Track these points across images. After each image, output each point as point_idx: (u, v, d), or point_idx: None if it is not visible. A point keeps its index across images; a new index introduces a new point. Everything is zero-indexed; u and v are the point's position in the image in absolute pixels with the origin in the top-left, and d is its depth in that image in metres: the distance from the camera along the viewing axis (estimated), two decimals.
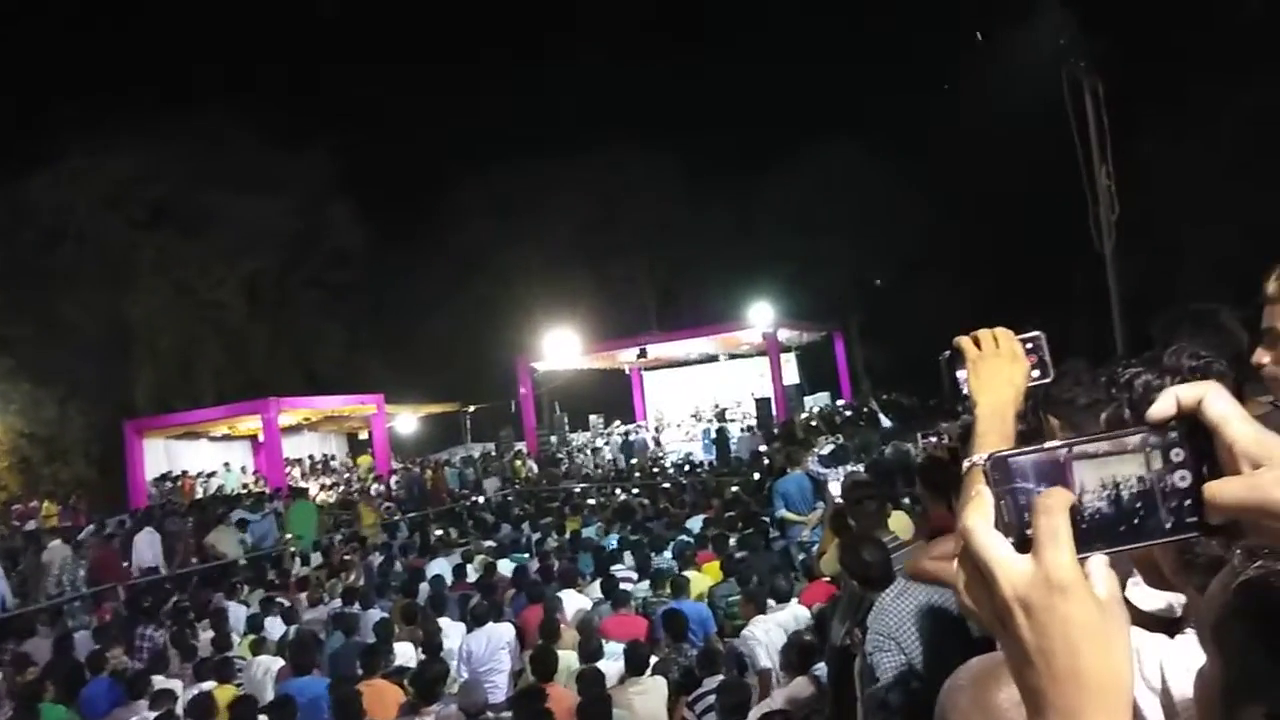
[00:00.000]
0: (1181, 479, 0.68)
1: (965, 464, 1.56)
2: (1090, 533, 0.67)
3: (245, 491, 21.78)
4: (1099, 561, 0.67)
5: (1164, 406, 0.70)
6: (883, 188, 31.09)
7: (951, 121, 25.50)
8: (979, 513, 0.69)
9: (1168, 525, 0.68)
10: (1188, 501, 0.67)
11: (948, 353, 1.62)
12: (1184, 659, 1.14)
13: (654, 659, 6.25)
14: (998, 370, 1.55)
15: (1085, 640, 0.64)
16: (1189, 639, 1.17)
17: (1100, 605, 0.65)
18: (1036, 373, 1.58)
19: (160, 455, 24.09)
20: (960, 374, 1.60)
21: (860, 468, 10.00)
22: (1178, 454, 0.68)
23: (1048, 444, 0.70)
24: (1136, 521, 0.68)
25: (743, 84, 34.79)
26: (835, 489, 6.96)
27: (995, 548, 0.67)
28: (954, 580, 1.52)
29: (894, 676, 3.36)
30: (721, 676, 5.58)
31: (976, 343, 1.58)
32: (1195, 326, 2.44)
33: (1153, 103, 20.29)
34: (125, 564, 13.80)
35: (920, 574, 3.21)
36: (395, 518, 17.82)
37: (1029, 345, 1.59)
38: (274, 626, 9.11)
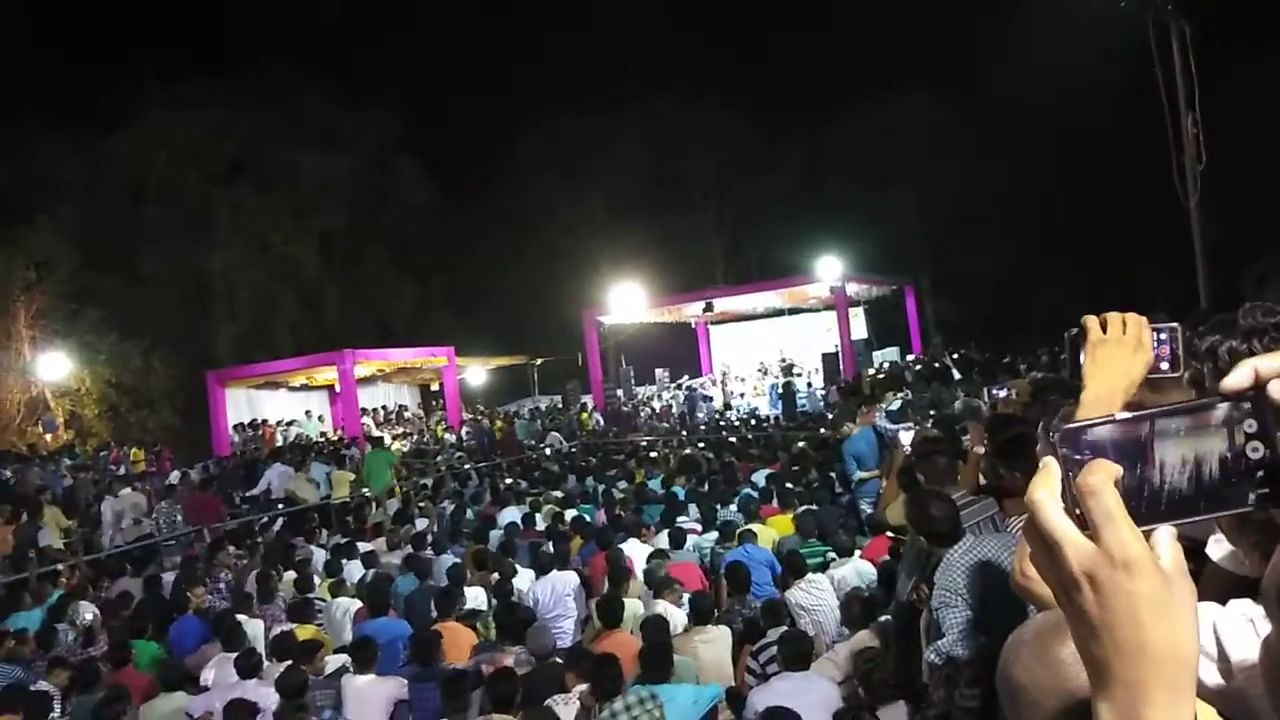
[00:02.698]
0: (1254, 450, 0.67)
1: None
2: (1163, 506, 0.67)
3: (323, 439, 22.44)
4: (1165, 534, 0.67)
5: (1240, 378, 0.70)
6: (955, 139, 30.28)
7: (1029, 70, 24.63)
8: (1046, 486, 0.68)
9: (1241, 497, 0.67)
10: (1260, 473, 0.67)
11: (1074, 330, 1.57)
12: (1237, 622, 1.14)
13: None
14: (1116, 357, 1.49)
15: (1150, 615, 0.65)
16: (1242, 602, 1.17)
17: (1165, 578, 0.65)
18: (1166, 365, 1.51)
19: (242, 404, 24.88)
20: (1083, 355, 1.54)
21: (929, 424, 9.92)
22: (1251, 425, 0.68)
23: (1121, 415, 0.70)
24: (1213, 494, 0.67)
25: (811, 31, 34.01)
26: (906, 443, 6.91)
27: (1061, 523, 0.67)
28: (1018, 556, 1.52)
29: (959, 632, 3.39)
30: (785, 627, 5.65)
31: (1104, 325, 1.53)
32: None
33: (1241, 47, 19.36)
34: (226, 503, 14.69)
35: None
36: (465, 466, 18.22)
37: (1162, 336, 1.51)
38: (352, 570, 9.44)
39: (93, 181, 27.22)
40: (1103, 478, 0.66)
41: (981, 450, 4.19)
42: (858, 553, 7.11)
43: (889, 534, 7.06)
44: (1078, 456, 0.68)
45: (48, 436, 23.44)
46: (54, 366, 24.10)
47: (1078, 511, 0.67)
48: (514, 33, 36.50)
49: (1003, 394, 8.97)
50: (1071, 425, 0.70)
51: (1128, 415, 0.69)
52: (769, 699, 4.40)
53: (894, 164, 31.38)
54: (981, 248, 29.33)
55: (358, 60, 34.90)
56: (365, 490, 14.58)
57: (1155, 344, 1.52)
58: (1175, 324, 1.54)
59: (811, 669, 4.91)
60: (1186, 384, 2.16)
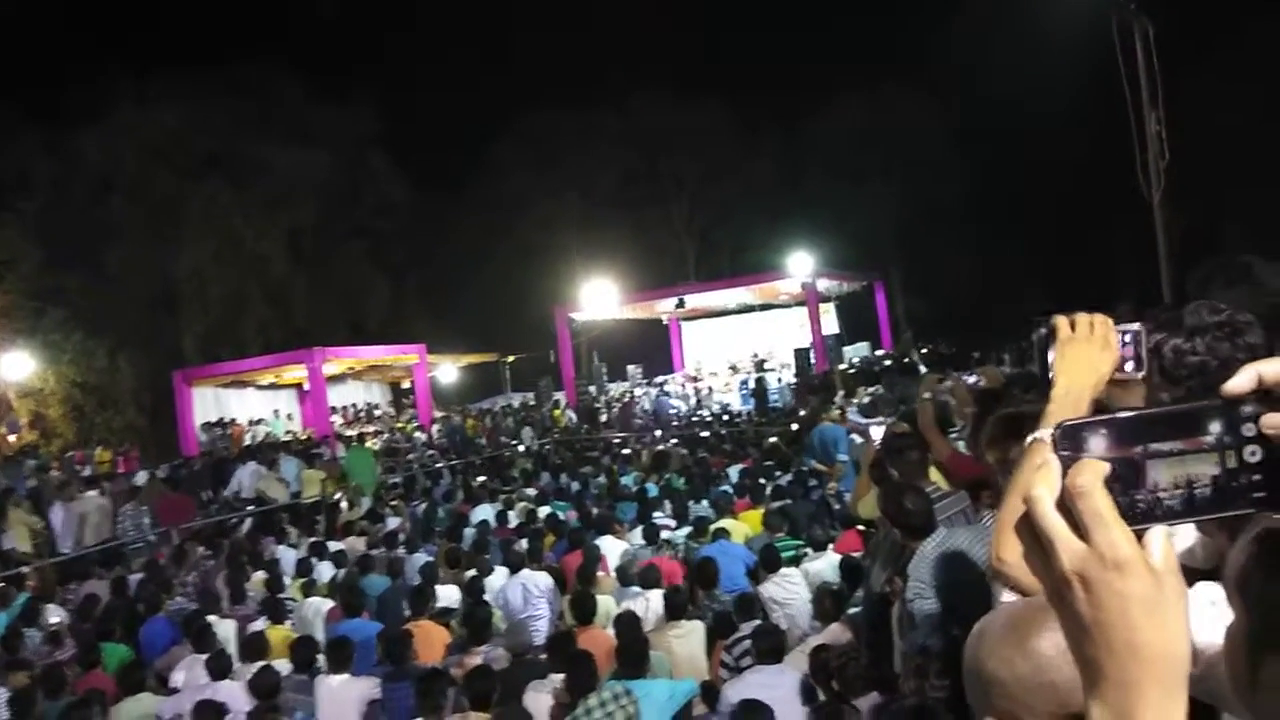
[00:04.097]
0: (1252, 454, 0.67)
1: (1030, 438, 1.59)
2: (1163, 505, 0.67)
3: (292, 439, 22.25)
4: (1158, 532, 0.67)
5: (1242, 382, 0.69)
6: (925, 136, 30.55)
7: (996, 67, 24.91)
8: (1045, 484, 0.68)
9: (1240, 499, 0.67)
10: (1257, 476, 0.67)
11: (1043, 330, 1.61)
12: (1201, 606, 1.16)
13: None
14: (1084, 355, 1.54)
15: (1142, 615, 0.65)
16: (1207, 585, 1.19)
17: (1157, 578, 0.65)
18: (1130, 365, 1.56)
19: (209, 403, 24.61)
20: (1051, 352, 1.59)
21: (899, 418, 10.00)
22: (1250, 429, 0.67)
23: (1122, 414, 0.69)
24: (1213, 494, 0.67)
25: (784, 29, 34.17)
26: (877, 437, 6.98)
27: (1055, 522, 0.67)
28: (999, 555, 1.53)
29: (932, 623, 3.43)
30: (758, 621, 5.68)
31: (1073, 324, 1.57)
32: (1229, 279, 2.42)
33: (1205, 45, 19.67)
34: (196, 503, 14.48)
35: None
36: (438, 465, 18.14)
37: (1126, 337, 1.56)
38: (323, 570, 9.37)
39: (59, 177, 26.79)
40: (1091, 477, 0.66)
41: (969, 412, 4.25)
42: (830, 547, 7.17)
43: (859, 528, 7.11)
44: (1079, 458, 0.68)
45: (11, 438, 23.06)
46: (17, 366, 23.70)
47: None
48: (489, 28, 36.38)
49: (972, 380, 9.06)
50: (1071, 422, 0.70)
51: (1126, 413, 0.69)
52: (742, 692, 4.42)
53: (865, 161, 31.59)
54: (951, 244, 29.63)
55: (331, 55, 34.63)
56: (339, 491, 14.45)
57: (1119, 345, 1.56)
58: (1138, 326, 1.58)
59: (784, 662, 4.94)
60: (1143, 380, 2.21)
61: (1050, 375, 1.58)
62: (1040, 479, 0.69)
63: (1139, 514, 0.67)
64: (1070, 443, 0.69)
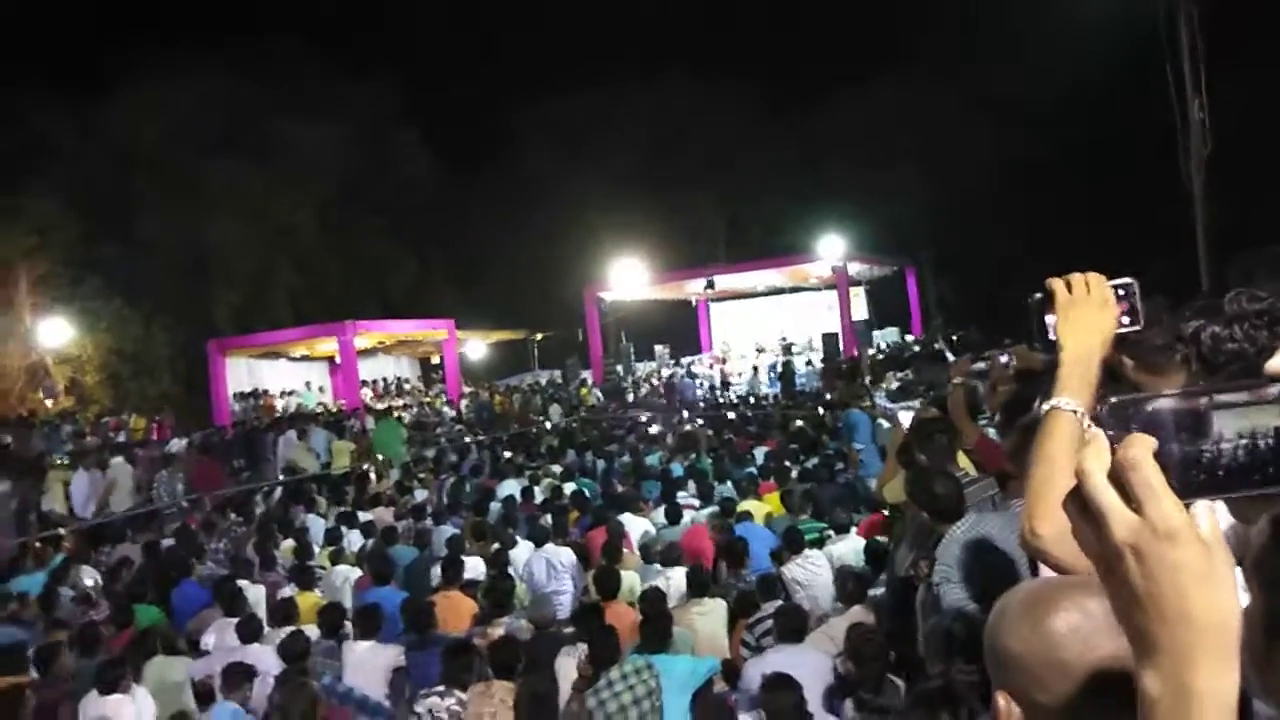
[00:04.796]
0: None
1: (1045, 406, 1.58)
2: (1219, 478, 0.68)
3: (323, 410, 22.49)
4: (1203, 505, 0.68)
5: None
6: (959, 119, 30.18)
7: (1033, 49, 24.52)
8: (1096, 458, 0.69)
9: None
10: None
11: (1039, 295, 1.61)
12: None
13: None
14: (1086, 316, 1.54)
15: (1193, 584, 0.66)
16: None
17: (1207, 548, 0.67)
18: (1127, 320, 1.57)
19: (243, 373, 24.90)
20: (1049, 318, 1.59)
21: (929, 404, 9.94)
22: None
23: (1173, 390, 0.71)
24: (1268, 470, 0.68)
25: (814, 8, 33.81)
26: (905, 422, 6.95)
27: (1109, 494, 0.68)
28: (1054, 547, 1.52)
29: (959, 608, 3.43)
30: (780, 601, 5.70)
31: (1068, 286, 1.57)
32: (1271, 269, 2.39)
33: (1252, 30, 19.24)
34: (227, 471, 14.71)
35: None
36: (465, 440, 18.28)
37: (1121, 292, 1.57)
38: (352, 539, 9.50)
39: (92, 149, 27.10)
40: (1142, 450, 0.67)
41: (1002, 392, 4.23)
42: (854, 530, 7.16)
43: (884, 511, 7.10)
44: (1121, 431, 0.69)
45: (49, 402, 23.47)
46: (55, 333, 24.09)
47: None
48: (516, 3, 36.30)
49: (1005, 359, 8.97)
50: (1118, 400, 0.71)
51: (1181, 390, 0.70)
52: (764, 670, 4.45)
53: (898, 144, 31.27)
54: (984, 230, 29.28)
55: (358, 30, 34.78)
56: (368, 463, 14.61)
57: (1115, 301, 1.56)
58: (1132, 280, 1.58)
59: (806, 642, 4.96)
60: (1180, 364, 2.19)
61: (1051, 342, 1.58)
62: (1090, 453, 0.70)
63: (1200, 484, 0.68)
64: (1118, 419, 0.70)
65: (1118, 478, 0.68)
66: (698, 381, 25.31)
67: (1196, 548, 0.66)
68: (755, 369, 24.95)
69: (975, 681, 3.05)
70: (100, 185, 26.34)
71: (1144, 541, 0.67)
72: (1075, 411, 1.51)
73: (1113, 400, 0.71)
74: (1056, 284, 1.58)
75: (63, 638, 6.66)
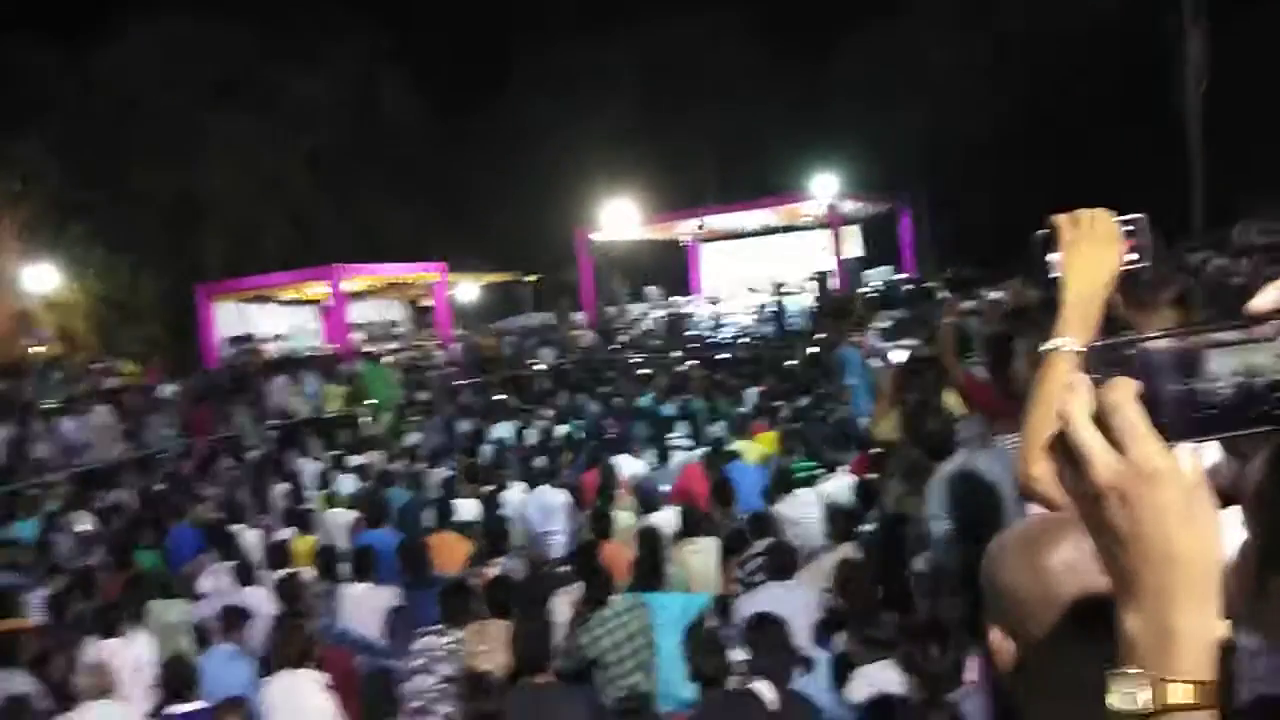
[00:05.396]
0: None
1: (1046, 345, 1.56)
2: (1212, 418, 0.67)
3: (314, 354, 22.44)
4: (1184, 447, 0.68)
5: (1267, 300, 0.70)
6: (953, 52, 29.75)
7: None
8: (1077, 400, 0.69)
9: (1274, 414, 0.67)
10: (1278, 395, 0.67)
11: (1043, 231, 1.55)
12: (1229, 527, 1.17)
13: None
14: (1092, 254, 1.49)
15: (1177, 524, 0.66)
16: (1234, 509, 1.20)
17: (1190, 489, 0.67)
18: (1135, 256, 1.50)
19: (232, 317, 24.77)
20: (1051, 256, 1.54)
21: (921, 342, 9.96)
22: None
23: (1159, 331, 0.70)
24: (1265, 408, 0.67)
25: None
26: (897, 361, 6.97)
27: (1092, 436, 0.68)
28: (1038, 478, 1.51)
29: (947, 542, 3.46)
30: (771, 539, 5.76)
31: (1074, 223, 1.51)
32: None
33: None
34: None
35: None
36: (457, 382, 18.29)
37: (1129, 228, 1.50)
38: (345, 483, 9.54)
39: (80, 95, 26.73)
40: (1124, 393, 0.67)
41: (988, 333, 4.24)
42: (845, 468, 7.21)
43: (874, 450, 7.14)
44: (1109, 373, 0.68)
45: (42, 349, 23.39)
46: (42, 279, 23.90)
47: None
48: None
49: (998, 296, 9.00)
50: (1101, 343, 0.71)
51: (1171, 329, 0.70)
52: (755, 606, 4.50)
53: (890, 81, 30.84)
54: (978, 168, 29.04)
55: None
56: (359, 406, 14.61)
57: (1122, 236, 1.51)
58: (1142, 215, 1.53)
59: (795, 578, 5.02)
60: (1170, 301, 2.16)
61: (1052, 280, 1.53)
62: (1072, 396, 0.70)
63: (1192, 424, 0.67)
64: (1103, 361, 0.69)
65: (1102, 421, 0.68)
66: (695, 320, 25.30)
67: (1179, 489, 0.66)
68: (761, 307, 24.73)
69: (963, 615, 3.09)
70: (87, 132, 26.04)
71: (1127, 483, 0.66)
72: (1077, 352, 1.48)
73: (1096, 343, 0.72)
74: (1062, 220, 1.53)
75: (61, 583, 6.71)
